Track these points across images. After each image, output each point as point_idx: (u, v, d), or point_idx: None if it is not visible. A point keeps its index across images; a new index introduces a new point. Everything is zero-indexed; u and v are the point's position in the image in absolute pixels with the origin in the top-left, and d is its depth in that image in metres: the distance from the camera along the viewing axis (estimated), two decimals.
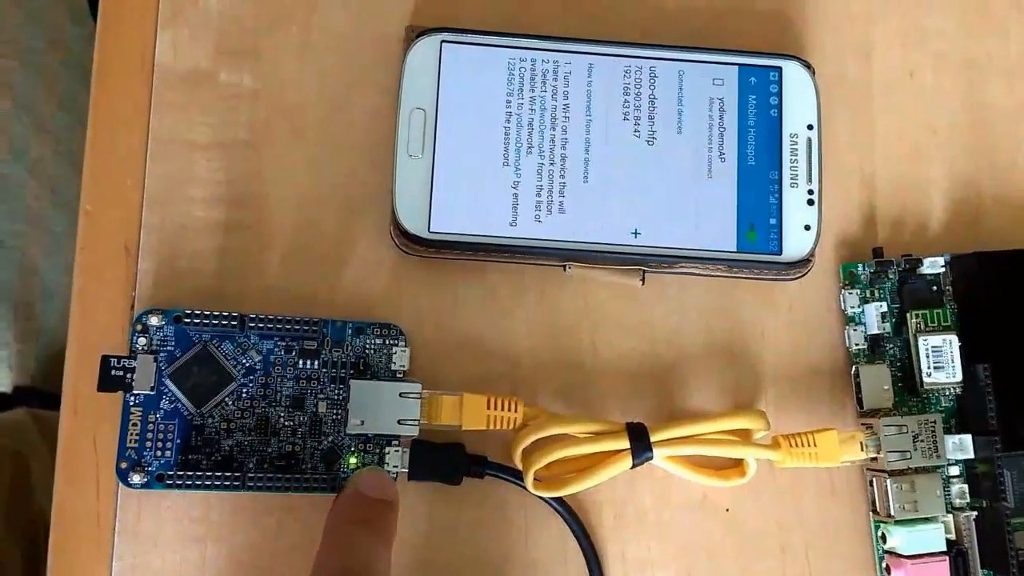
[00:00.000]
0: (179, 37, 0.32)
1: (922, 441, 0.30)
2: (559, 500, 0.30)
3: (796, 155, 0.31)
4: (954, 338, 0.31)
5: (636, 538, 0.31)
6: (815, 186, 0.31)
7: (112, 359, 0.28)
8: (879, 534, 0.31)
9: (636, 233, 0.30)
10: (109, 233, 0.31)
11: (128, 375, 0.28)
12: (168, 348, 0.29)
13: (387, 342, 0.30)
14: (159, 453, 0.28)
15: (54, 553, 0.29)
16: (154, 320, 0.29)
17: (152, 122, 0.31)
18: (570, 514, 0.30)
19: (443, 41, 0.31)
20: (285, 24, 0.32)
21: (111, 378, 0.28)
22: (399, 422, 0.29)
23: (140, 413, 0.28)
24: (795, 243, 0.30)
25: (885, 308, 0.31)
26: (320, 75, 0.32)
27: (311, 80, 0.32)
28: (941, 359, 0.31)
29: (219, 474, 0.28)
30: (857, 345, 0.31)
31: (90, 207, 0.31)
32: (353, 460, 0.29)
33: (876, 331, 0.31)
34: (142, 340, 0.29)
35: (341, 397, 0.29)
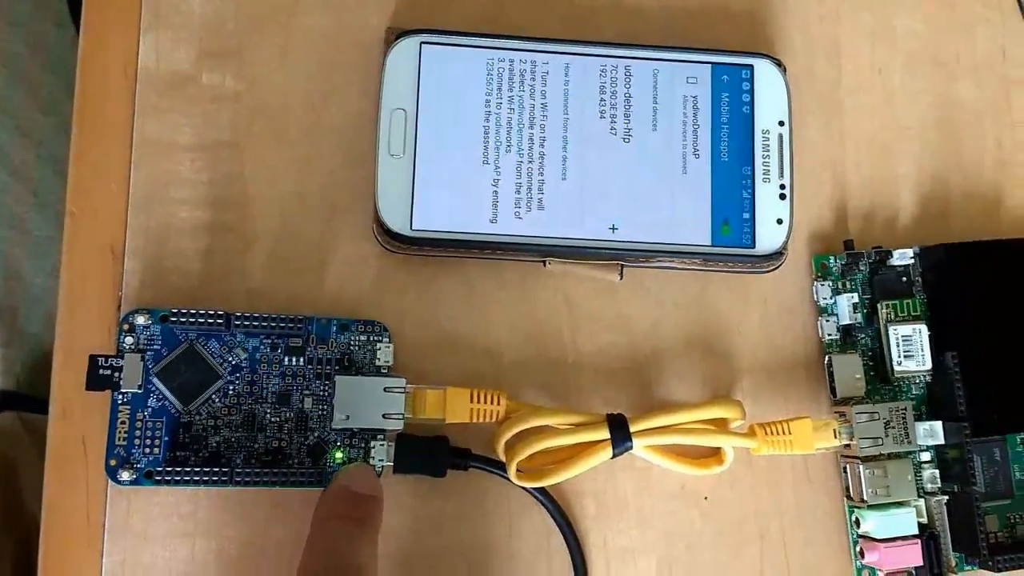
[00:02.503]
0: (161, 40, 0.32)
1: (894, 428, 0.30)
2: (542, 490, 0.30)
3: (768, 151, 0.32)
4: (923, 327, 0.32)
5: (617, 527, 0.31)
6: (787, 181, 0.32)
7: (100, 358, 0.29)
8: (853, 519, 0.31)
9: (614, 228, 0.31)
10: (95, 235, 0.31)
11: (116, 374, 0.29)
12: (155, 347, 0.29)
13: (371, 338, 0.30)
14: (147, 450, 0.29)
15: (45, 550, 0.29)
16: (141, 319, 0.29)
17: (136, 124, 0.32)
18: (552, 504, 0.31)
19: (423, 42, 0.31)
20: (266, 26, 0.33)
21: (99, 377, 0.29)
22: (384, 416, 0.29)
23: (128, 411, 0.29)
24: (768, 236, 0.31)
25: (856, 299, 0.32)
26: (302, 77, 0.32)
27: (293, 82, 0.32)
28: (911, 348, 0.32)
29: (207, 470, 0.28)
30: (830, 335, 0.32)
31: (75, 209, 0.31)
32: (339, 454, 0.29)
33: (848, 321, 0.32)
34: (129, 339, 0.29)
35: (326, 393, 0.30)
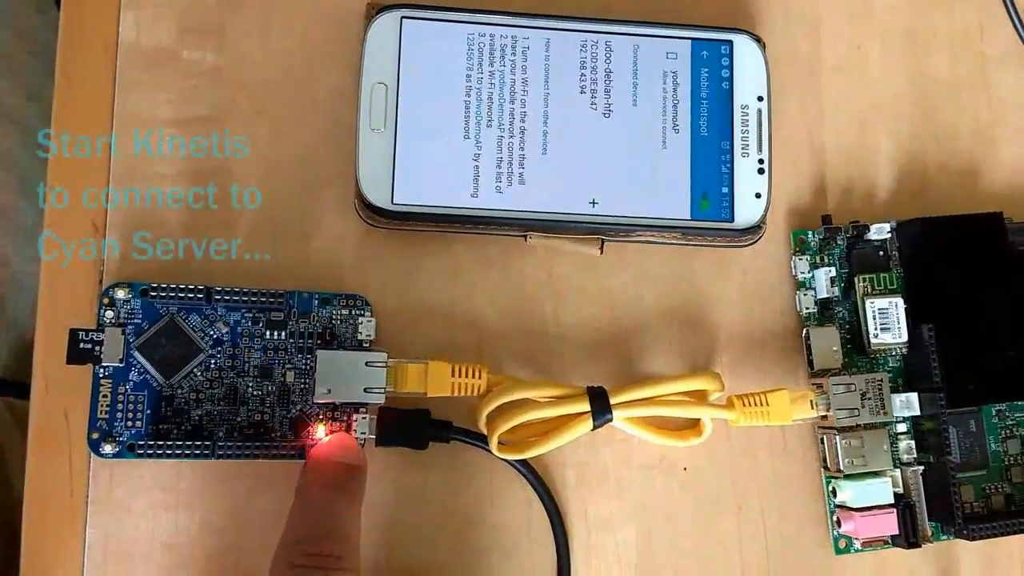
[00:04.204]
0: (142, 16, 0.32)
1: (870, 399, 0.31)
2: (523, 462, 0.31)
3: (747, 126, 0.32)
4: (900, 300, 0.32)
5: (598, 498, 0.32)
6: (765, 155, 0.32)
7: (80, 332, 0.29)
8: (830, 489, 0.32)
9: (594, 203, 0.31)
10: (76, 210, 0.31)
11: (96, 348, 0.29)
12: (136, 321, 0.29)
13: (353, 312, 0.30)
14: (130, 424, 0.29)
15: (28, 524, 0.30)
16: (121, 294, 0.29)
17: (116, 100, 0.32)
18: (534, 476, 0.31)
19: (403, 17, 0.31)
20: (247, 1, 0.33)
21: (80, 351, 0.29)
22: (365, 390, 0.29)
23: (110, 385, 0.29)
24: (746, 210, 0.32)
25: (834, 273, 0.33)
26: (282, 52, 0.32)
27: (274, 57, 0.32)
28: (887, 321, 0.32)
29: (189, 443, 0.28)
30: (808, 309, 0.33)
31: (57, 184, 0.31)
32: (321, 428, 0.30)
33: (826, 295, 0.33)
34: (109, 313, 0.29)
35: (308, 367, 0.30)
